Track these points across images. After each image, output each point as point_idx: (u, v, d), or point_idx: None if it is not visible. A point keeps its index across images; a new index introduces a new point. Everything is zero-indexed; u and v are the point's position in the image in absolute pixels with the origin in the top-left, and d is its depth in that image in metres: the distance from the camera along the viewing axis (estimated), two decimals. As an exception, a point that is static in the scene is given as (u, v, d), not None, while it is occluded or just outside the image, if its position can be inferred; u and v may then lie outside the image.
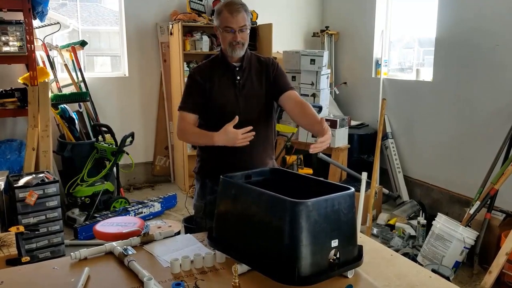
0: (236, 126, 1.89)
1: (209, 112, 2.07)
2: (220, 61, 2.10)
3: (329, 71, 4.81)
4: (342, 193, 1.51)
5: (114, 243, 1.72)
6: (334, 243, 1.45)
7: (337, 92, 5.57)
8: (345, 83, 5.58)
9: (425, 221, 3.61)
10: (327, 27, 5.61)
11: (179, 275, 1.54)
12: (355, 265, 1.53)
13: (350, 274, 1.52)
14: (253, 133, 1.88)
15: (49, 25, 4.44)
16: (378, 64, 5.08)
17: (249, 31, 2.04)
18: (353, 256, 1.54)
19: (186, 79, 3.19)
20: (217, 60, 2.12)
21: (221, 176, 1.71)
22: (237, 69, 2.07)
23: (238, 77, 2.06)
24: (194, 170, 2.23)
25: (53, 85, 4.50)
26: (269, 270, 1.46)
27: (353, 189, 1.56)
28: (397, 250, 3.33)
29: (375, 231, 3.88)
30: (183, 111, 2.07)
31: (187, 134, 2.09)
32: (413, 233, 3.72)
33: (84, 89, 4.57)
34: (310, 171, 4.40)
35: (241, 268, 1.52)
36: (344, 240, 1.49)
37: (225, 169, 1.78)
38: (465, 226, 3.20)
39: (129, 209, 4.09)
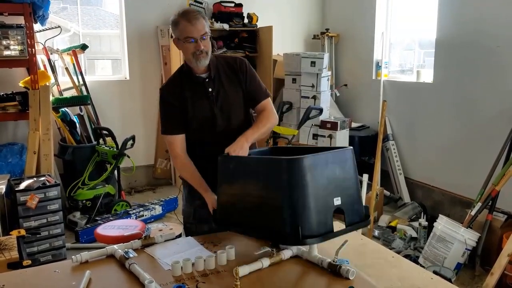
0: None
1: (188, 127, 2.02)
2: (187, 75, 2.00)
3: (329, 73, 4.81)
4: (340, 150, 1.50)
5: (115, 246, 1.73)
6: (337, 201, 1.43)
7: (338, 94, 5.57)
8: (346, 85, 5.58)
9: (426, 222, 3.61)
10: (327, 29, 5.61)
11: (180, 278, 1.54)
12: (361, 224, 1.50)
13: (351, 275, 1.51)
14: None
15: (50, 29, 4.45)
16: (378, 66, 5.08)
17: (209, 39, 1.95)
18: (359, 217, 1.51)
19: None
20: (183, 75, 2.02)
21: (219, 157, 1.73)
22: (207, 80, 1.98)
23: (210, 89, 1.98)
24: (180, 176, 2.19)
25: (54, 88, 4.51)
26: (273, 234, 1.46)
27: (351, 147, 1.55)
28: (398, 252, 3.33)
29: (376, 233, 3.88)
30: (166, 134, 2.05)
31: (184, 173, 2.08)
32: (414, 235, 3.72)
33: (85, 93, 4.57)
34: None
35: (243, 270, 1.52)
36: (347, 198, 1.46)
37: (209, 175, 1.78)
38: (467, 228, 3.19)
39: (130, 212, 4.09)
